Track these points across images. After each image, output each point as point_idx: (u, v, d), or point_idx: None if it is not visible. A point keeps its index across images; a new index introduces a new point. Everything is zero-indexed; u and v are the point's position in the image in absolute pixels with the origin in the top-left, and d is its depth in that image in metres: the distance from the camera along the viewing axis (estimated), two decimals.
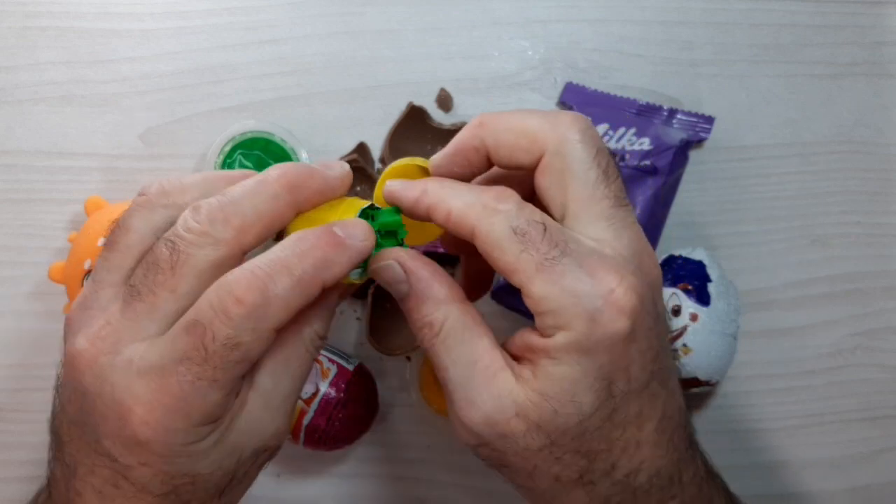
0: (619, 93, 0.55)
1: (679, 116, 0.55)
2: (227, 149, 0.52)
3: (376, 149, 0.55)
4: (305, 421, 0.49)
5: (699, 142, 0.55)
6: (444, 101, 0.56)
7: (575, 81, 0.56)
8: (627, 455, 0.32)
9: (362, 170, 0.54)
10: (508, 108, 0.55)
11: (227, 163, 0.52)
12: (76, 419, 0.31)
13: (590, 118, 0.34)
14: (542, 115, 0.34)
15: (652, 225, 0.53)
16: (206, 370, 0.29)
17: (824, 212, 0.57)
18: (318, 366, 0.50)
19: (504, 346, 0.33)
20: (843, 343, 0.56)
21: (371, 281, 0.53)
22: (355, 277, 0.34)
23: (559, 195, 0.33)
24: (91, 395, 0.30)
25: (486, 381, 0.32)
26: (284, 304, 0.30)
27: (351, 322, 0.55)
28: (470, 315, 0.33)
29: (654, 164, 0.53)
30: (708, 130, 0.55)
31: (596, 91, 0.55)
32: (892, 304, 0.57)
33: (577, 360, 0.30)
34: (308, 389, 0.50)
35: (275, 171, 0.32)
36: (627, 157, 0.54)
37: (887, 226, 0.57)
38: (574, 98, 0.55)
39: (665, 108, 0.55)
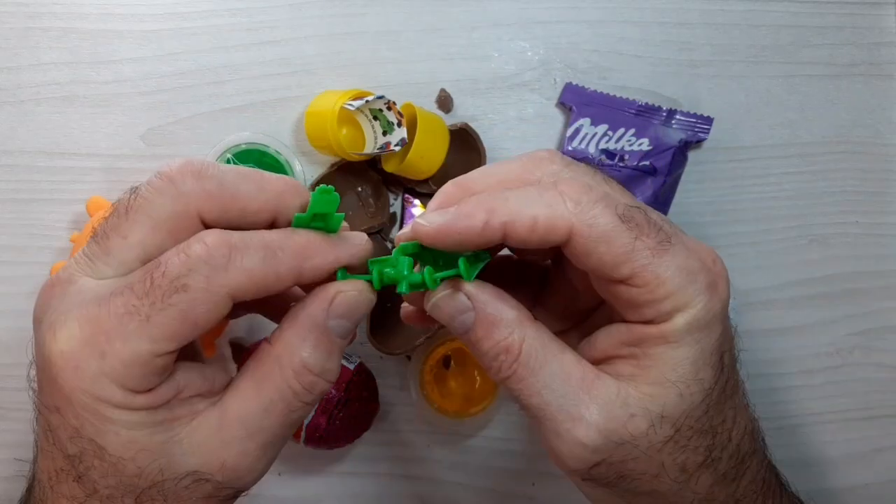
0: (618, 93, 0.55)
1: (678, 117, 0.55)
2: (223, 160, 0.52)
3: None
4: (306, 420, 0.50)
5: (698, 142, 0.55)
6: (444, 102, 0.56)
7: (574, 82, 0.56)
8: (737, 423, 0.32)
9: (365, 171, 0.54)
10: (508, 109, 0.56)
11: None
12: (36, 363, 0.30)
13: (556, 151, 0.32)
14: (536, 193, 0.29)
15: None
16: (142, 304, 0.27)
17: (823, 212, 0.57)
18: None
19: (582, 354, 0.31)
20: (841, 342, 0.57)
21: None
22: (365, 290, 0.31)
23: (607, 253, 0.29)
24: (35, 321, 0.29)
25: (588, 392, 0.29)
26: (247, 269, 0.28)
27: None
28: (545, 331, 0.30)
29: (653, 164, 0.54)
30: (707, 131, 0.55)
31: (595, 92, 0.55)
32: (891, 304, 0.57)
33: (697, 339, 0.29)
34: None
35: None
36: (627, 157, 0.54)
37: (885, 226, 0.57)
38: (573, 99, 0.55)
39: (664, 108, 0.55)
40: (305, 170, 0.54)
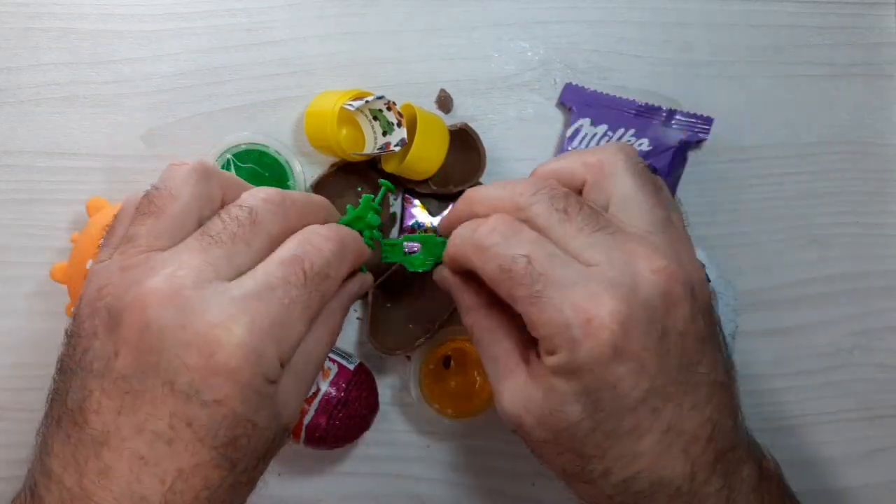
0: (618, 94, 0.55)
1: (678, 117, 0.55)
2: (222, 160, 0.52)
3: None
4: (306, 420, 0.50)
5: (698, 142, 0.55)
6: (444, 102, 0.56)
7: (574, 82, 0.56)
8: (622, 463, 0.34)
9: (365, 171, 0.54)
10: (508, 109, 0.56)
11: None
12: (127, 373, 0.30)
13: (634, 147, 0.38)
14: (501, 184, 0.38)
15: None
16: (302, 294, 0.33)
17: (823, 212, 0.57)
18: None
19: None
20: (841, 343, 0.57)
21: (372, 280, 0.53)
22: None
23: (601, 196, 0.37)
24: (169, 331, 0.30)
25: (505, 377, 0.36)
26: (351, 256, 0.37)
27: (351, 321, 0.55)
28: (492, 320, 0.38)
29: (653, 164, 0.54)
30: (707, 131, 0.55)
31: (595, 92, 0.55)
32: (890, 304, 0.57)
33: (565, 379, 0.33)
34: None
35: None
36: None
37: (885, 226, 0.57)
38: (573, 99, 0.55)
39: (664, 108, 0.55)
40: (305, 170, 0.54)
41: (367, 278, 0.43)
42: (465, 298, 0.39)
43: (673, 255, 0.35)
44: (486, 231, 0.35)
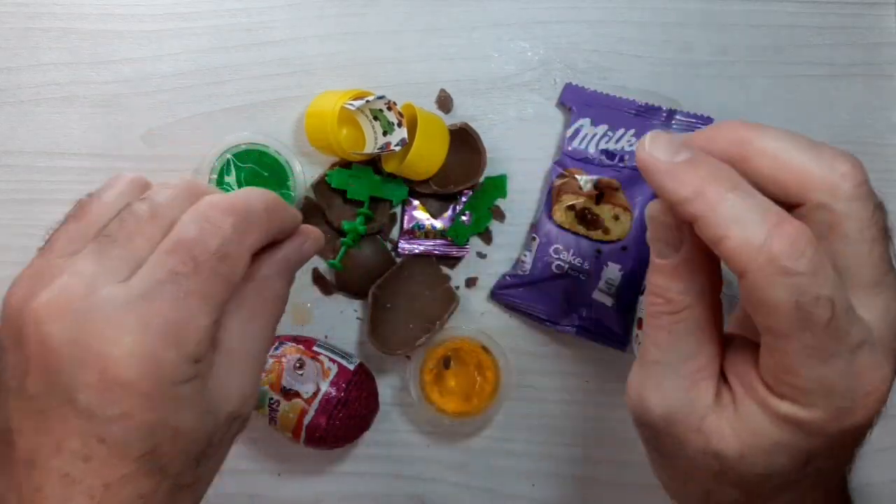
0: (618, 94, 0.55)
1: (678, 117, 0.55)
2: (222, 160, 0.52)
3: None
4: (306, 420, 0.50)
5: None
6: (444, 102, 0.56)
7: (574, 82, 0.56)
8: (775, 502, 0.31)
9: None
10: (508, 109, 0.56)
11: (222, 173, 0.52)
12: (35, 391, 0.29)
13: (862, 165, 0.30)
14: (813, 150, 0.29)
15: None
16: (195, 283, 0.29)
17: None
18: (318, 365, 0.51)
19: (724, 354, 0.31)
20: None
21: (372, 281, 0.54)
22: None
23: None
24: (63, 347, 0.28)
25: (688, 381, 0.30)
26: (259, 225, 0.31)
27: (352, 321, 0.55)
28: (706, 312, 0.30)
29: None
30: None
31: (595, 92, 0.55)
32: None
33: (792, 432, 0.28)
34: (309, 389, 0.50)
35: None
36: (627, 157, 0.54)
37: None
38: (573, 99, 0.55)
39: (664, 108, 0.55)
40: (305, 170, 0.54)
41: (311, 235, 0.36)
42: (697, 276, 0.30)
43: None
44: (791, 250, 0.26)
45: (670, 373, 0.30)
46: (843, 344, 0.27)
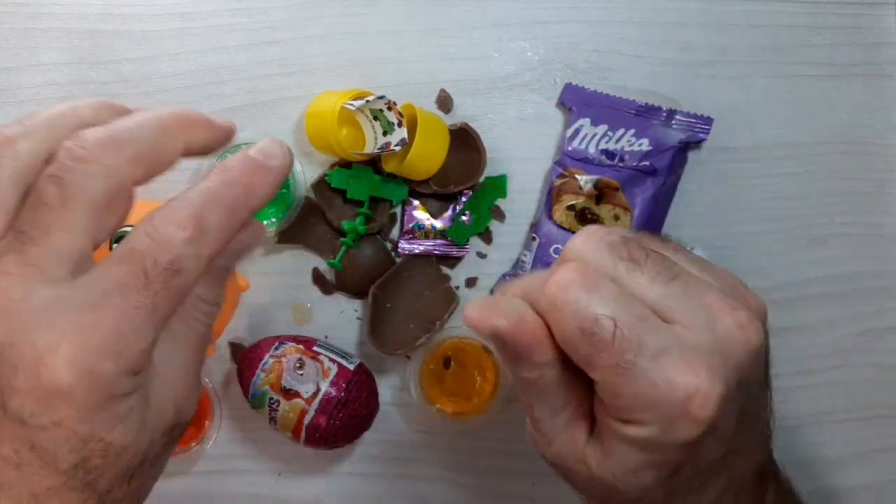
0: (618, 94, 0.55)
1: (678, 117, 0.55)
2: (221, 160, 0.52)
3: None
4: (306, 420, 0.50)
5: (698, 142, 0.55)
6: (444, 102, 0.56)
7: (574, 82, 0.56)
8: None
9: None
10: (508, 109, 0.56)
11: None
12: None
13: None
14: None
15: (651, 225, 0.54)
16: (145, 297, 0.27)
17: (823, 212, 0.57)
18: (318, 365, 0.51)
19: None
20: (841, 343, 0.56)
21: (372, 281, 0.54)
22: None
23: None
24: (4, 348, 0.27)
25: (564, 425, 0.32)
26: (219, 232, 0.29)
27: (352, 321, 0.55)
28: (570, 368, 0.31)
29: (653, 164, 0.54)
30: (707, 131, 0.55)
31: (595, 92, 0.55)
32: (891, 304, 0.57)
33: (644, 451, 0.30)
34: (309, 389, 0.50)
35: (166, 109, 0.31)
36: (627, 157, 0.54)
37: (885, 226, 0.57)
38: (573, 99, 0.55)
39: (664, 108, 0.55)
40: (305, 170, 0.54)
41: (254, 229, 0.34)
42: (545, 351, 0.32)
43: (740, 298, 0.32)
44: (561, 284, 0.29)
45: (549, 422, 0.33)
46: (639, 355, 0.28)
